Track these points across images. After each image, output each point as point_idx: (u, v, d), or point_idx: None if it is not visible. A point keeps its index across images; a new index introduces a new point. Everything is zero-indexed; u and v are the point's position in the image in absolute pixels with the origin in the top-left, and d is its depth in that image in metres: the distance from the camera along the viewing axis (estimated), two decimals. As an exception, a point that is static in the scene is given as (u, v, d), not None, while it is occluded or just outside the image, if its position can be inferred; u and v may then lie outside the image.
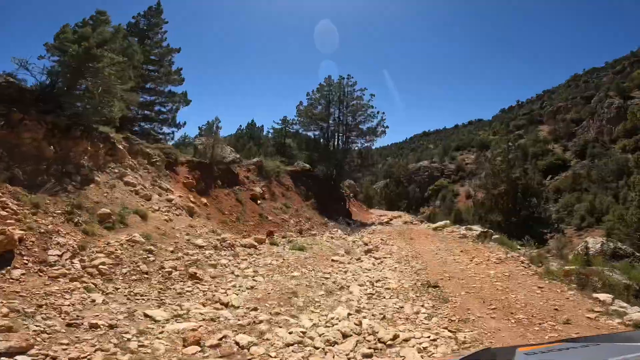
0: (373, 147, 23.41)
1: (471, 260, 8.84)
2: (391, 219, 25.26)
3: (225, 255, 8.50)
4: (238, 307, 5.52)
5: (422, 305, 5.80)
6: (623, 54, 71.04)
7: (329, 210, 20.68)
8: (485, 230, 13.45)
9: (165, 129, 21.05)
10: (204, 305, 5.53)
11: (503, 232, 16.82)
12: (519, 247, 12.63)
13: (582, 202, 44.19)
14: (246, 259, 8.55)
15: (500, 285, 6.64)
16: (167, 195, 10.66)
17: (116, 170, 9.85)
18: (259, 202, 15.78)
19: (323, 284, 7.08)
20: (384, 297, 6.28)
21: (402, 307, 5.75)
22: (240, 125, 33.07)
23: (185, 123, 20.85)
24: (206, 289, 6.17)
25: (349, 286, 6.93)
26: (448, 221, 17.21)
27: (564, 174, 52.86)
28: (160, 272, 6.37)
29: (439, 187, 62.42)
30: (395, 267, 8.55)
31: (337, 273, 8.03)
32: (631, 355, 0.89)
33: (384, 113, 23.36)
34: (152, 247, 7.07)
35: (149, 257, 6.71)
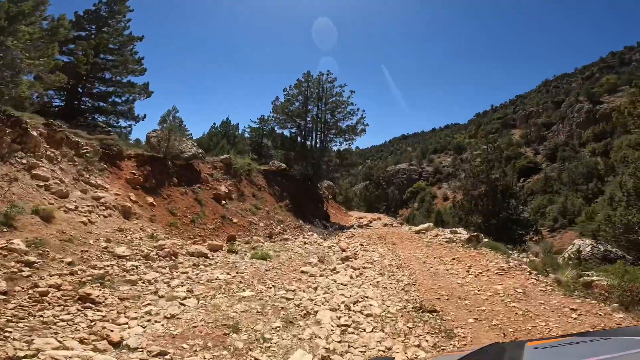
0: (352, 147, 21.70)
1: (468, 271, 7.11)
2: (371, 221, 23.61)
3: (157, 267, 6.38)
4: (134, 349, 3.49)
5: (419, 345, 3.94)
6: (592, 60, 73.23)
7: (305, 212, 18.75)
8: (476, 234, 11.87)
9: (123, 122, 18.59)
10: (81, 342, 3.47)
11: (484, 234, 15.58)
12: (510, 252, 11.18)
13: (554, 203, 44.27)
14: (186, 272, 6.46)
15: (518, 308, 4.89)
16: (96, 192, 8.40)
17: (24, 161, 7.54)
18: (223, 202, 13.63)
19: (282, 308, 5.11)
20: (364, 330, 4.38)
21: (389, 349, 3.88)
22: (214, 123, 30.68)
23: (145, 116, 18.39)
24: (98, 318, 4.07)
25: (317, 311, 5.00)
26: (431, 224, 15.63)
27: (535, 176, 53.25)
28: (29, 292, 4.23)
29: (417, 189, 61.74)
30: (378, 282, 6.68)
31: (304, 290, 6.09)
32: None
33: (363, 111, 21.72)
34: (36, 258, 4.90)
35: (22, 271, 4.55)
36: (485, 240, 11.63)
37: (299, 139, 22.28)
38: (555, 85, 70.04)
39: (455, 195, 23.90)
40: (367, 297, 5.61)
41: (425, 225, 14.99)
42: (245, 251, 9.33)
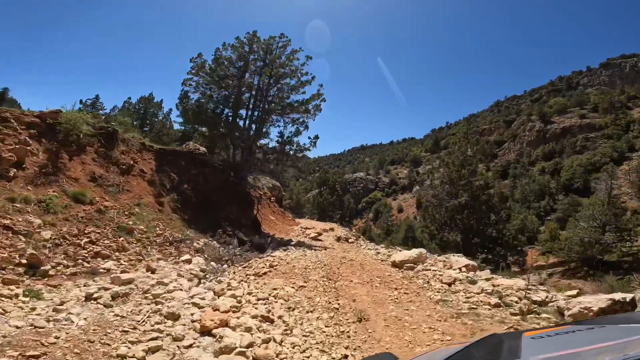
0: (302, 130, 14.77)
1: None
2: (320, 233, 16.77)
3: None
4: None
5: None
6: (541, 83, 74.19)
7: (216, 216, 11.45)
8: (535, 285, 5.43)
9: None
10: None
11: (464, 254, 9.79)
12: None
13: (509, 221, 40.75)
14: None
15: None
16: None
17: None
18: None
19: None
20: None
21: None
22: (129, 98, 22.36)
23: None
24: None
25: None
26: (421, 250, 8.75)
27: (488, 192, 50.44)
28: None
29: (373, 199, 56.61)
30: None
31: None
32: (636, 337, 0.84)
33: (321, 86, 15.01)
34: None
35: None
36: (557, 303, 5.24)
37: (226, 112, 14.96)
38: (507, 106, 69.77)
39: (425, 206, 18.10)
40: None
41: (412, 254, 8.11)
42: None
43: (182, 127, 16.38)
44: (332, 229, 21.24)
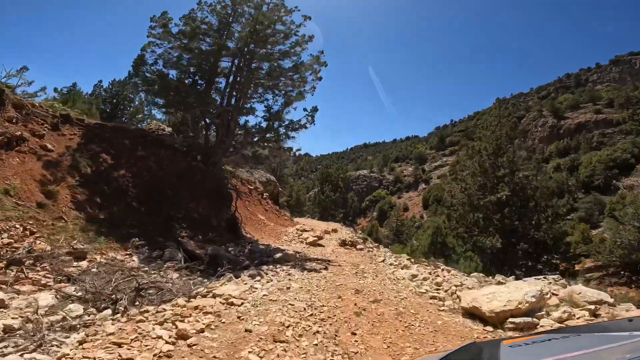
0: (294, 97, 10.74)
1: None
2: (320, 237, 12.90)
3: None
4: None
5: None
6: (547, 81, 69.97)
7: (168, 214, 7.62)
8: None
9: None
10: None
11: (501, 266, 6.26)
12: None
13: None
14: None
15: None
16: None
17: None
18: None
19: None
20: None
21: None
22: (100, 81, 18.52)
23: None
24: None
25: None
26: (524, 283, 4.57)
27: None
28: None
29: (377, 197, 52.62)
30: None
31: None
32: (609, 345, 0.85)
33: (322, 52, 11.08)
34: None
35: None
36: None
37: (200, 83, 11.03)
38: (513, 103, 65.48)
39: (450, 203, 14.15)
40: None
41: (519, 294, 3.58)
42: None
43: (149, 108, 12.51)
44: (335, 230, 17.33)
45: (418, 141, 72.26)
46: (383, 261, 8.27)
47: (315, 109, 10.58)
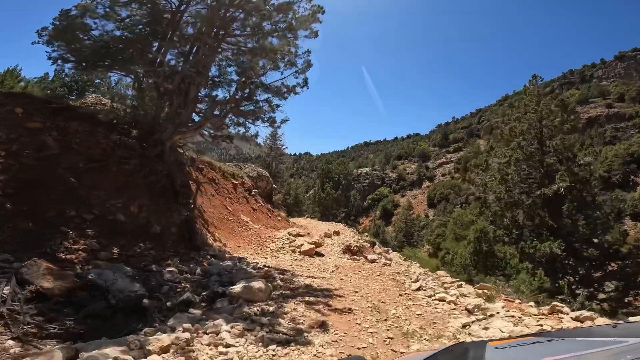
0: (281, 70, 7.39)
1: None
2: (319, 243, 9.70)
3: None
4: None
5: None
6: (550, 77, 66.60)
7: (62, 215, 4.34)
8: None
9: None
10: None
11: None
12: None
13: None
14: None
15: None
16: None
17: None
18: None
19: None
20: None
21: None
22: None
23: None
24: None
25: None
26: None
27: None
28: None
29: (379, 195, 49.32)
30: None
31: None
32: (591, 350, 0.82)
33: (320, 9, 7.78)
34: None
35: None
36: None
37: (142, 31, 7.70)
38: (517, 99, 62.14)
39: (485, 198, 10.87)
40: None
41: None
42: None
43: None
44: (337, 233, 14.05)
45: (420, 139, 68.93)
46: (419, 289, 4.96)
47: (308, 64, 7.31)
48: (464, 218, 24.66)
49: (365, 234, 17.93)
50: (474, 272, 6.96)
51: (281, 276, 5.39)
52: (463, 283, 5.33)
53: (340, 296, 4.30)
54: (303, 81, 7.60)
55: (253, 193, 14.19)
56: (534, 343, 1.03)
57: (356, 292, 4.62)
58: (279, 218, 15.29)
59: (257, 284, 3.83)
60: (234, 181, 13.18)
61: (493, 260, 7.59)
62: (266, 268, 5.99)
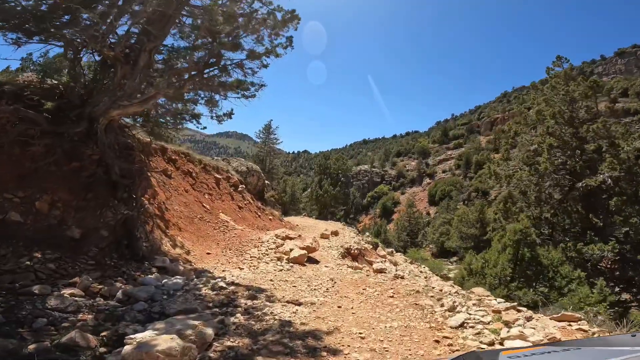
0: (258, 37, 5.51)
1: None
2: (313, 248, 7.80)
3: None
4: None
5: None
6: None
7: None
8: None
9: None
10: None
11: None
12: None
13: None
14: None
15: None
16: None
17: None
18: None
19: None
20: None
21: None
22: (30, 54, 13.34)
23: None
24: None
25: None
26: None
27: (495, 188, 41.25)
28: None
29: (379, 193, 47.48)
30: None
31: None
32: (610, 359, 0.78)
33: None
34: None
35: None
36: None
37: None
38: (516, 96, 60.29)
39: (518, 190, 9.02)
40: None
41: None
42: None
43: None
44: (335, 233, 12.22)
45: (419, 136, 67.10)
46: (462, 325, 3.08)
47: (293, 16, 5.43)
48: (469, 216, 22.83)
49: (367, 233, 16.08)
50: (512, 285, 5.21)
51: (248, 303, 3.53)
52: (526, 310, 3.48)
53: (337, 351, 2.46)
54: (287, 40, 5.73)
55: (240, 189, 12.32)
56: (549, 352, 0.95)
57: (363, 337, 2.77)
58: (271, 217, 13.42)
59: (165, 344, 1.97)
60: (217, 175, 11.30)
61: (537, 269, 5.76)
62: (232, 287, 4.13)
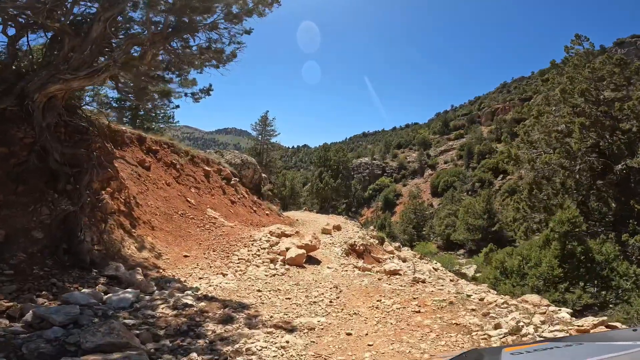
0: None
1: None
2: (313, 246, 6.64)
3: None
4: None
5: None
6: (545, 66, 63.13)
7: None
8: None
9: None
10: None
11: None
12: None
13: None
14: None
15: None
16: None
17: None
18: None
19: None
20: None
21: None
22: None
23: None
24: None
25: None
26: None
27: (515, 174, 40.03)
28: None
29: (380, 185, 46.33)
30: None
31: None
32: (612, 354, 0.77)
33: None
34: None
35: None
36: None
37: None
38: (516, 86, 58.66)
39: (545, 175, 7.91)
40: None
41: None
42: None
43: None
44: (337, 228, 11.09)
45: (419, 128, 65.66)
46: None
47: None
48: (476, 206, 21.70)
49: (371, 227, 14.96)
50: (562, 286, 4.13)
51: (218, 330, 2.41)
52: (621, 325, 2.45)
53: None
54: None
55: (233, 182, 11.18)
56: (551, 348, 0.96)
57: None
58: (268, 212, 12.30)
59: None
60: (207, 168, 10.17)
61: (589, 266, 4.62)
62: (201, 304, 3.02)
